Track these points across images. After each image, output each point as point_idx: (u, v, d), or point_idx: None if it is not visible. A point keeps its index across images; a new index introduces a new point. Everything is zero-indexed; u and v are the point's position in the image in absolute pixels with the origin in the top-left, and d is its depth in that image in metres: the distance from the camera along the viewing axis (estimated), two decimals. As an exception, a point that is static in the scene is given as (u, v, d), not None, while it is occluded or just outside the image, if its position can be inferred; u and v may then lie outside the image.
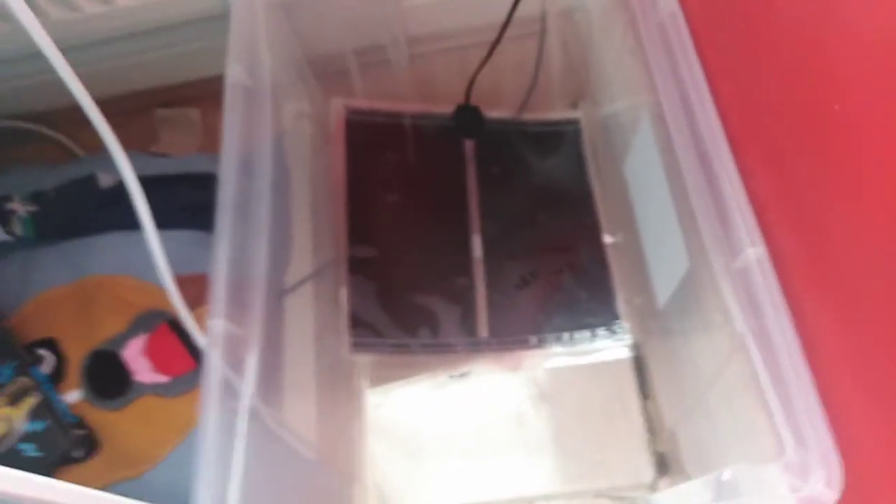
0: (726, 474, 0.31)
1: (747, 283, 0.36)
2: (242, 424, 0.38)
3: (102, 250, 0.55)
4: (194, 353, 0.54)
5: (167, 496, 0.45)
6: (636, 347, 0.60)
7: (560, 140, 0.71)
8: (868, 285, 0.31)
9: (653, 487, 0.54)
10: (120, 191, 0.60)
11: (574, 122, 0.72)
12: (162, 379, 0.52)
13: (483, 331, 0.61)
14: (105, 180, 0.59)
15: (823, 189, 0.33)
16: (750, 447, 0.41)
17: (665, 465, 0.55)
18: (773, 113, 0.37)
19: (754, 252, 0.36)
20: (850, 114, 0.29)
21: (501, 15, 0.60)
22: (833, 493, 0.29)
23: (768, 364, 0.34)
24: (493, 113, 0.70)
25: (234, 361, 0.40)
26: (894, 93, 0.26)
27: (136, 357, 0.52)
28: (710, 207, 0.40)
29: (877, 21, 0.27)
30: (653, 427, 0.56)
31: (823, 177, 0.32)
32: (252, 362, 0.40)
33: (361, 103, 0.68)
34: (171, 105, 0.77)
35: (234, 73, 0.46)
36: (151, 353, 0.53)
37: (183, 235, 0.58)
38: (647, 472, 0.54)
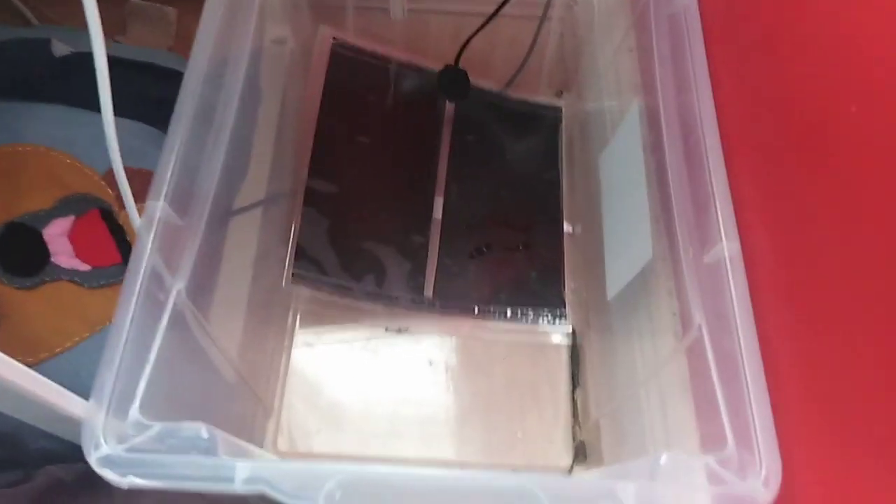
0: (664, 458, 0.31)
1: (714, 277, 0.36)
2: (164, 319, 0.35)
3: (44, 120, 0.51)
4: (122, 249, 0.50)
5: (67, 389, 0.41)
6: (575, 336, 0.60)
7: (539, 124, 0.71)
8: (831, 300, 0.31)
9: (569, 473, 0.54)
10: (73, 63, 0.55)
11: (555, 110, 0.71)
12: (82, 266, 0.48)
13: (429, 291, 0.60)
14: (59, 49, 0.55)
15: (814, 197, 0.33)
16: (676, 446, 0.41)
17: (584, 454, 0.55)
18: (776, 112, 0.37)
19: (728, 247, 0.35)
20: (867, 118, 0.29)
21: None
22: (769, 493, 0.29)
23: (721, 359, 0.34)
24: (478, 82, 0.69)
25: (167, 253, 0.37)
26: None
27: (57, 237, 0.48)
28: (688, 200, 0.39)
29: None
30: (578, 415, 0.56)
31: (817, 184, 0.32)
32: (188, 258, 0.38)
33: (349, 38, 0.66)
34: (148, -2, 0.72)
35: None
36: (76, 237, 0.49)
37: (134, 126, 0.54)
38: (566, 457, 0.54)
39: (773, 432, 0.30)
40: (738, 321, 0.33)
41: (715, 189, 0.37)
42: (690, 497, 0.30)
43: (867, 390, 0.29)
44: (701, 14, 0.44)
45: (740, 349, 0.33)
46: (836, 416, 0.31)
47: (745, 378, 0.32)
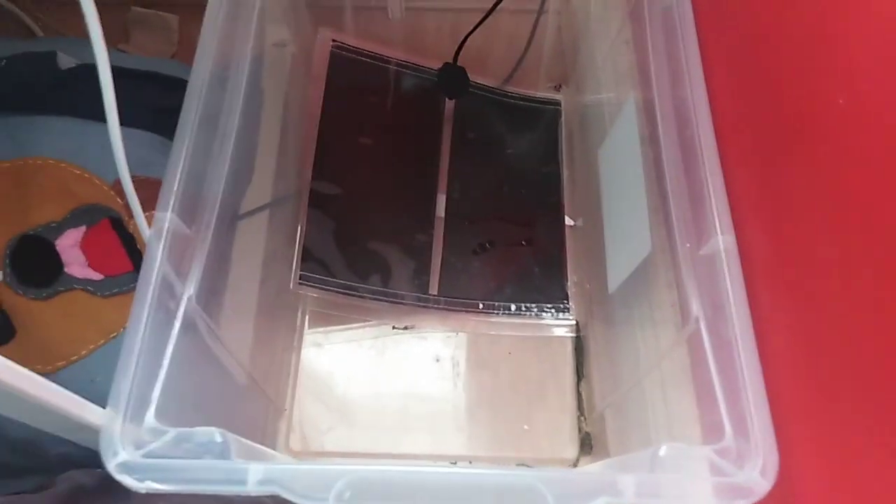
0: (663, 450, 0.32)
1: (711, 268, 0.36)
2: (177, 326, 0.36)
3: (52, 133, 0.52)
4: (133, 258, 0.51)
5: (82, 396, 0.43)
6: (579, 329, 0.60)
7: (538, 118, 0.71)
8: (831, 292, 0.31)
9: (575, 464, 0.55)
10: (79, 74, 0.56)
11: (555, 104, 0.72)
12: (95, 276, 0.49)
13: (433, 288, 0.61)
14: (65, 61, 0.56)
15: (806, 189, 0.33)
16: (677, 438, 0.41)
17: (589, 445, 0.55)
18: (768, 104, 0.37)
19: (724, 240, 0.36)
20: (854, 110, 0.29)
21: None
22: (766, 483, 0.30)
23: (718, 351, 0.35)
24: (477, 78, 0.70)
25: (177, 262, 0.38)
26: None
27: (70, 248, 0.49)
28: (684, 193, 0.40)
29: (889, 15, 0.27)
30: (583, 407, 0.57)
31: (809, 176, 0.33)
32: (197, 266, 0.39)
33: (349, 40, 0.66)
34: (150, 6, 0.73)
35: (224, -25, 0.44)
36: (88, 246, 0.50)
37: (142, 136, 0.55)
38: (572, 449, 0.55)
39: (769, 422, 0.31)
40: (735, 313, 0.34)
41: (710, 183, 0.38)
42: (690, 488, 0.30)
43: (862, 376, 0.29)
44: (694, 7, 0.45)
45: (736, 341, 0.34)
46: (832, 401, 0.31)
47: (742, 369, 0.33)
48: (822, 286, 0.32)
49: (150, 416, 0.33)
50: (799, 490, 0.32)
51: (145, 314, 0.35)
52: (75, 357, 0.48)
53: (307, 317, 0.60)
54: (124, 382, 0.33)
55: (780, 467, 0.30)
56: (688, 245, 0.38)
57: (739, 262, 0.35)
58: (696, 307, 0.37)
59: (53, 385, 0.31)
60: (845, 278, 0.30)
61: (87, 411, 0.32)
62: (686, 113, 0.41)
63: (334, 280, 0.58)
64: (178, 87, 0.46)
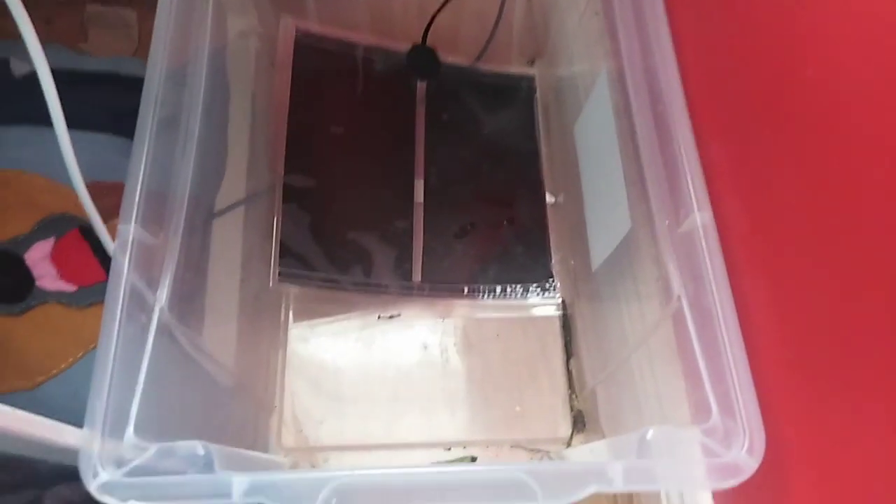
0: (650, 434, 0.31)
1: (690, 246, 0.36)
2: (150, 339, 0.36)
3: (11, 143, 0.51)
4: (107, 266, 0.50)
5: (63, 411, 0.42)
6: (566, 307, 0.60)
7: (513, 95, 0.70)
8: (808, 265, 0.31)
9: (568, 443, 0.55)
10: (36, 81, 0.55)
11: (529, 79, 0.71)
12: (68, 287, 0.48)
13: (417, 275, 0.60)
14: (20, 68, 0.54)
15: (779, 162, 0.33)
16: (668, 413, 0.41)
17: (582, 423, 0.56)
18: (738, 78, 0.36)
19: (701, 217, 0.35)
20: (824, 82, 0.28)
21: (470, -41, 0.58)
22: (754, 462, 0.30)
23: (701, 330, 0.34)
24: (448, 58, 0.68)
25: (146, 272, 0.37)
26: (876, 62, 0.26)
27: (40, 261, 0.48)
28: (660, 169, 0.39)
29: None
30: (574, 385, 0.57)
31: (781, 149, 0.32)
32: (167, 274, 0.38)
33: (313, 27, 0.65)
34: (107, 3, 0.71)
35: (174, -37, 0.42)
36: (58, 258, 0.49)
37: (107, 140, 0.54)
38: (565, 427, 0.55)
39: (754, 400, 0.31)
40: (716, 290, 0.34)
41: (685, 158, 0.37)
42: (679, 471, 0.30)
43: (841, 347, 0.29)
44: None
45: (719, 318, 0.33)
46: (814, 375, 0.31)
47: (726, 347, 0.32)
48: (799, 259, 0.31)
49: (129, 432, 0.33)
50: (787, 465, 0.32)
51: (116, 329, 0.34)
52: (55, 371, 0.47)
53: (291, 312, 0.59)
54: (99, 400, 0.32)
55: (767, 444, 0.30)
56: (666, 222, 0.38)
57: (717, 238, 0.35)
58: (677, 285, 0.36)
59: (25, 414, 0.30)
60: (820, 251, 0.30)
61: (65, 434, 0.32)
62: (657, 87, 0.40)
63: (315, 274, 0.58)
64: (139, 86, 0.45)
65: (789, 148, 0.31)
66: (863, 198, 0.27)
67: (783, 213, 0.32)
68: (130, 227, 0.36)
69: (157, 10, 0.43)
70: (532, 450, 0.55)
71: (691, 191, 0.36)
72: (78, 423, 0.32)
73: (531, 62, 0.71)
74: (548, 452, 0.55)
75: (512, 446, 0.55)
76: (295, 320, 0.59)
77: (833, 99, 0.28)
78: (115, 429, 0.32)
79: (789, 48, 0.31)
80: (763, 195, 0.34)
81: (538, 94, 0.69)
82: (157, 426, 0.34)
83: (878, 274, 0.26)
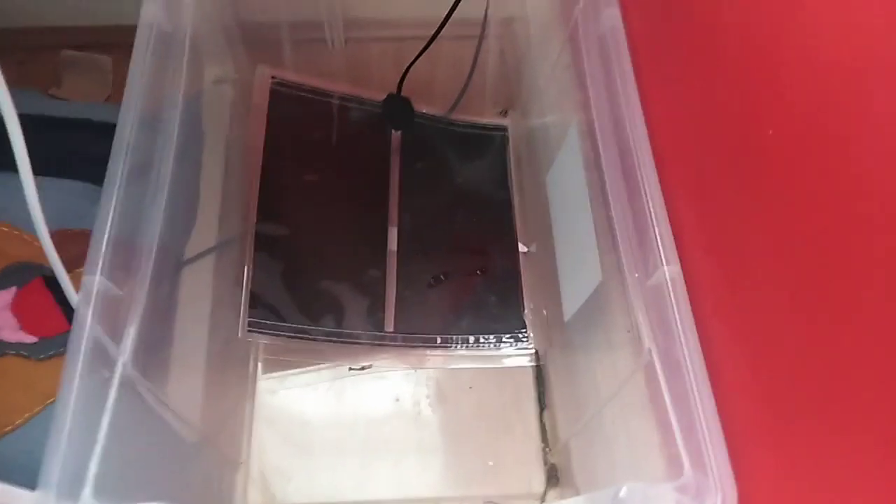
0: (623, 491, 0.31)
1: (659, 300, 0.36)
2: (111, 394, 0.35)
3: (-25, 190, 0.50)
4: (70, 315, 0.49)
5: (17, 471, 0.40)
6: (539, 357, 0.60)
7: (486, 145, 0.71)
8: (775, 316, 0.31)
9: (542, 498, 0.54)
10: (3, 126, 0.54)
11: (502, 129, 0.72)
12: (28, 339, 0.47)
13: (389, 325, 0.59)
14: (-10, 115, 0.53)
15: (744, 215, 0.33)
16: (642, 467, 0.41)
17: (556, 478, 0.55)
18: (703, 134, 0.37)
19: (669, 270, 0.36)
20: (783, 141, 0.29)
21: (443, 12, 0.59)
22: (725, 518, 0.29)
23: (672, 384, 0.34)
24: (423, 108, 0.69)
25: (110, 325, 0.36)
26: (831, 121, 0.26)
27: (0, 311, 0.47)
28: (629, 222, 0.40)
29: (813, 52, 0.27)
30: (547, 438, 0.56)
31: (745, 203, 0.33)
32: (132, 327, 0.37)
33: (289, 75, 0.65)
34: (82, 48, 0.71)
35: (150, 12, 0.42)
36: (19, 309, 0.47)
37: (76, 186, 0.53)
38: (539, 482, 0.54)
39: (725, 455, 0.31)
40: (684, 342, 0.34)
41: (653, 213, 0.38)
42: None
43: (815, 400, 0.29)
44: (628, 34, 0.45)
45: (689, 370, 0.33)
46: (787, 425, 0.31)
47: (696, 400, 0.32)
48: (766, 312, 0.32)
49: (86, 494, 0.31)
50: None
51: (75, 384, 0.33)
52: (9, 427, 0.45)
53: (260, 364, 0.58)
54: (55, 459, 0.31)
55: (739, 498, 0.30)
56: (636, 275, 0.38)
57: (685, 291, 0.35)
58: (647, 338, 0.36)
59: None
60: (787, 302, 0.30)
61: (16, 498, 0.30)
62: (625, 141, 0.41)
63: (285, 324, 0.57)
64: (111, 132, 0.45)
65: (753, 203, 0.32)
66: (828, 250, 0.27)
67: (749, 266, 0.33)
68: (95, 279, 0.35)
69: (133, 55, 0.43)
70: (505, 505, 0.54)
71: (659, 244, 0.37)
72: (31, 484, 0.31)
73: (504, 113, 0.73)
74: (521, 508, 0.54)
75: (485, 502, 0.54)
76: (264, 372, 0.58)
77: (798, 153, 0.29)
78: (72, 490, 0.31)
79: (751, 104, 0.32)
80: (729, 249, 0.35)
81: (511, 145, 0.71)
82: (117, 487, 0.33)
83: (849, 325, 0.26)
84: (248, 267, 0.58)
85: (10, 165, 0.51)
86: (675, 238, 0.37)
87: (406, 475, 0.54)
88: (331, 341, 0.58)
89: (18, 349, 0.47)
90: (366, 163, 0.67)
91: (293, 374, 0.58)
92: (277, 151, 0.62)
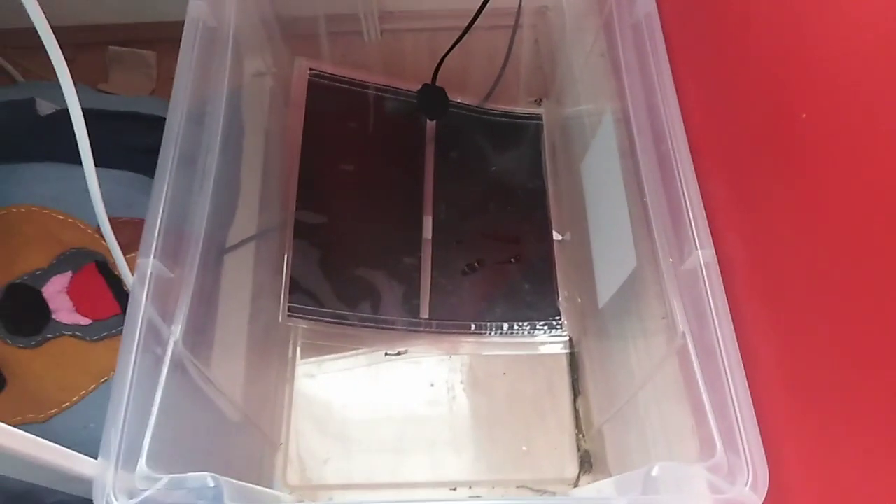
0: (655, 470, 0.32)
1: (693, 284, 0.36)
2: (164, 371, 0.36)
3: (33, 180, 0.52)
4: (120, 300, 0.51)
5: (72, 444, 0.42)
6: (573, 344, 0.60)
7: (521, 134, 0.71)
8: (808, 299, 0.32)
9: (575, 483, 0.55)
10: (58, 120, 0.57)
11: (536, 118, 0.72)
12: (83, 321, 0.49)
13: (424, 312, 0.60)
14: (44, 108, 0.56)
15: (777, 199, 0.33)
16: (675, 451, 0.41)
17: (589, 463, 0.55)
18: (737, 119, 0.37)
19: (703, 254, 0.36)
20: (816, 124, 0.29)
21: (477, 2, 0.59)
22: (757, 498, 0.30)
23: (705, 366, 0.35)
24: (457, 97, 0.70)
25: (162, 306, 0.38)
26: (863, 105, 0.27)
27: (57, 294, 0.49)
28: (664, 208, 0.40)
29: (846, 36, 0.28)
30: (581, 424, 0.57)
31: (779, 187, 0.33)
32: (182, 308, 0.38)
33: (326, 67, 0.67)
34: (127, 44, 0.73)
35: (197, 8, 0.44)
36: (74, 292, 0.50)
37: (124, 176, 0.55)
38: (572, 467, 0.55)
39: (758, 435, 0.31)
40: (718, 326, 0.34)
41: (688, 197, 0.38)
42: (684, 506, 0.30)
43: (843, 381, 0.29)
44: (662, 22, 0.45)
45: (723, 355, 0.34)
46: (817, 408, 0.31)
47: (729, 383, 0.33)
48: (799, 294, 0.32)
49: (142, 463, 0.33)
50: (791, 501, 0.32)
51: (132, 362, 0.35)
52: (67, 404, 0.47)
53: (298, 348, 0.60)
54: (114, 432, 0.33)
55: (770, 480, 0.30)
56: (671, 260, 0.39)
57: (720, 275, 0.35)
58: (681, 322, 0.37)
59: (42, 441, 0.31)
60: (820, 284, 0.30)
61: (79, 463, 0.32)
62: (660, 127, 0.41)
63: (323, 310, 0.58)
64: (157, 124, 0.47)
65: (787, 184, 0.32)
66: (861, 231, 0.27)
67: (783, 249, 0.33)
68: (150, 262, 0.37)
69: (180, 52, 0.45)
70: (538, 490, 0.55)
71: (693, 229, 0.37)
72: (86, 455, 0.33)
73: (538, 102, 0.73)
74: (554, 493, 0.54)
75: (518, 487, 0.55)
76: (303, 357, 0.59)
77: (830, 137, 0.29)
78: (129, 460, 0.33)
79: (785, 88, 0.32)
80: (763, 231, 0.35)
81: (545, 133, 0.71)
82: (168, 458, 0.35)
83: (880, 306, 0.26)
84: (288, 254, 0.59)
85: (62, 157, 0.54)
86: (708, 223, 0.37)
87: (440, 459, 0.56)
88: (367, 327, 0.59)
89: (74, 330, 0.49)
90: (401, 152, 0.68)
91: (330, 359, 0.59)
92: (315, 141, 0.64)
